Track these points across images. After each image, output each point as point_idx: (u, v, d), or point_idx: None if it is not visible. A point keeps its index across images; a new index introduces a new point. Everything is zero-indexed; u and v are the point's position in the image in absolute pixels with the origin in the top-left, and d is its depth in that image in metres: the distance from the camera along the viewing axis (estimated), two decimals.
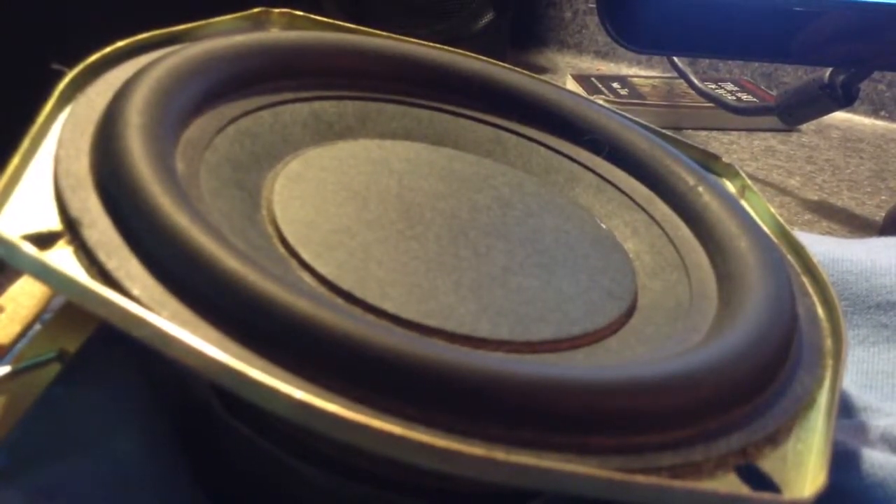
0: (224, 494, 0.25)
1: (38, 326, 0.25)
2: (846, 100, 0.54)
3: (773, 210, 0.32)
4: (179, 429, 0.25)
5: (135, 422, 0.24)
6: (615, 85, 0.73)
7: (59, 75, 0.25)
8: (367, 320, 0.22)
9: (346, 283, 0.24)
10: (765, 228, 0.30)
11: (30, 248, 0.19)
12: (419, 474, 0.22)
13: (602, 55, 0.87)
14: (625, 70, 0.84)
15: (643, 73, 0.82)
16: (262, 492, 0.24)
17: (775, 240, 0.31)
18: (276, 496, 0.24)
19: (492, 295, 0.25)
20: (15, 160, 0.22)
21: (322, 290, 0.23)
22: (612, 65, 0.86)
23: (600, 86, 0.72)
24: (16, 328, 0.24)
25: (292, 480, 0.23)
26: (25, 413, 0.23)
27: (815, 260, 0.29)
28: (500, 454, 0.18)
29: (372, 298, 0.23)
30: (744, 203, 0.32)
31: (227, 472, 0.25)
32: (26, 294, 0.25)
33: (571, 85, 0.73)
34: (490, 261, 0.27)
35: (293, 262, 0.24)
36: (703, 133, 0.67)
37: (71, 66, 0.26)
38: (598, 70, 0.85)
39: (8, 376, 0.23)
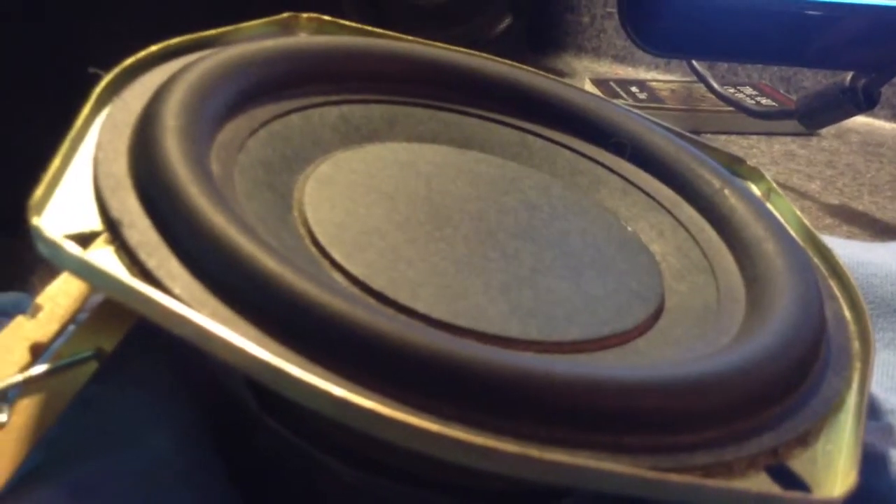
0: (257, 491, 0.25)
1: (72, 326, 0.26)
2: (867, 104, 0.54)
3: (798, 213, 0.32)
4: (213, 426, 0.26)
5: (169, 419, 0.25)
6: (633, 89, 0.73)
7: (96, 79, 0.26)
8: (402, 320, 0.22)
9: (377, 284, 0.24)
10: (791, 231, 0.31)
11: (73, 248, 0.19)
12: (451, 472, 0.22)
13: (620, 59, 0.87)
14: (643, 74, 0.84)
15: (661, 77, 0.82)
16: (295, 488, 0.25)
17: (802, 243, 0.31)
18: (309, 493, 0.25)
19: (521, 296, 0.25)
20: (55, 162, 0.22)
21: (354, 290, 0.24)
22: (629, 69, 0.86)
23: (619, 90, 0.72)
24: (54, 327, 0.24)
25: (325, 477, 0.24)
26: (63, 410, 0.24)
27: (841, 262, 0.30)
28: (533, 451, 0.18)
29: (403, 299, 0.24)
30: (770, 206, 0.32)
31: (259, 468, 0.25)
32: (63, 294, 0.25)
33: (589, 89, 0.74)
34: (518, 262, 0.27)
35: (325, 263, 0.24)
36: (723, 137, 0.67)
37: (107, 70, 0.26)
38: (616, 74, 0.85)
39: (46, 374, 0.24)
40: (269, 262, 0.20)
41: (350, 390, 0.18)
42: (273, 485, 0.25)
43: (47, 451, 0.23)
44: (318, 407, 0.18)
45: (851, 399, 0.24)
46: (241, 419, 0.25)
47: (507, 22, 0.75)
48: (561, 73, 0.83)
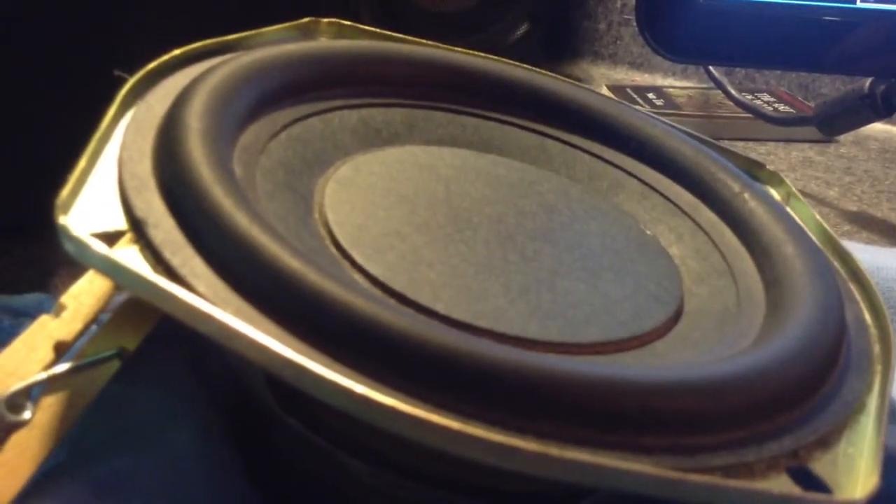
0: (276, 489, 0.25)
1: (95, 326, 0.26)
2: (886, 110, 0.54)
3: (818, 217, 0.32)
4: (233, 425, 0.26)
5: (190, 417, 0.25)
6: (650, 95, 0.73)
7: (121, 82, 0.26)
8: (423, 320, 0.23)
9: (397, 285, 0.24)
10: (811, 235, 0.30)
11: (100, 246, 0.20)
12: (471, 472, 0.22)
13: (637, 66, 0.87)
14: (660, 81, 0.84)
15: (678, 83, 0.82)
16: (314, 488, 0.25)
17: (821, 246, 0.31)
18: (328, 492, 0.25)
19: (540, 298, 0.25)
20: (81, 162, 0.23)
21: (375, 290, 0.24)
22: (646, 75, 0.86)
23: (635, 96, 0.72)
24: (77, 325, 0.25)
25: (344, 477, 0.24)
26: (86, 408, 0.24)
27: (861, 266, 0.30)
28: (554, 450, 0.18)
29: (424, 299, 0.24)
30: (789, 210, 0.32)
31: (279, 467, 0.26)
32: (87, 293, 0.25)
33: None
34: (537, 265, 0.27)
35: (346, 264, 0.25)
36: (740, 144, 0.67)
37: (131, 73, 0.27)
38: (632, 81, 0.85)
39: (69, 372, 0.24)
40: (292, 262, 0.20)
41: (371, 388, 0.18)
42: (292, 483, 0.25)
43: (70, 449, 0.23)
44: (339, 404, 0.18)
45: (872, 402, 0.24)
46: (261, 418, 0.25)
47: (524, 29, 0.75)
48: (578, 80, 0.83)
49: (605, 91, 0.75)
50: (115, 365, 0.24)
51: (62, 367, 0.24)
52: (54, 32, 0.43)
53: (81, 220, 0.21)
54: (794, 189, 0.34)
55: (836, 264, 0.30)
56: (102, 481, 0.23)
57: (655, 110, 0.69)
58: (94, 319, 0.26)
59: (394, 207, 0.27)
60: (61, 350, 0.24)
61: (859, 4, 0.49)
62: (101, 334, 0.25)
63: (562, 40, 0.90)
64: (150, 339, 0.25)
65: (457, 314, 0.24)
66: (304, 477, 0.25)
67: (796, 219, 0.31)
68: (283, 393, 0.24)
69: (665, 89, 0.76)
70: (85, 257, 0.20)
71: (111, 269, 0.20)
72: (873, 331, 0.27)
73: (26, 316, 0.30)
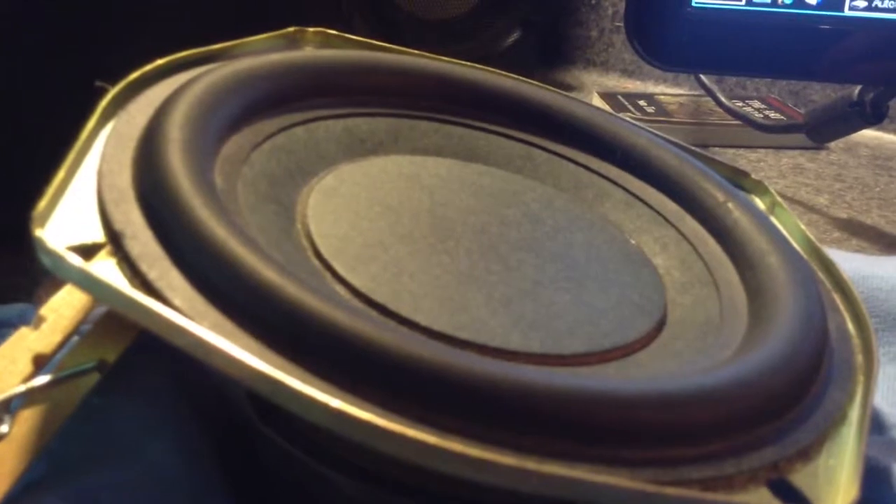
0: (258, 502, 0.25)
1: (76, 337, 0.26)
2: (875, 117, 0.54)
3: (802, 226, 0.32)
4: (215, 438, 0.26)
5: (171, 431, 0.25)
6: (641, 103, 0.73)
7: (102, 93, 0.26)
8: (403, 332, 0.23)
9: (379, 296, 0.24)
10: (795, 245, 0.30)
11: (75, 259, 0.20)
12: (451, 485, 0.22)
13: (628, 73, 0.87)
14: (651, 88, 0.84)
15: (669, 90, 0.82)
16: (297, 501, 0.25)
17: (805, 256, 0.31)
18: None
19: (523, 308, 0.25)
20: (60, 174, 0.23)
21: (356, 302, 0.24)
22: (638, 83, 0.86)
23: (627, 104, 0.72)
24: (57, 338, 0.25)
25: (325, 490, 0.24)
26: (65, 421, 0.24)
27: (845, 276, 0.29)
28: (532, 464, 0.18)
29: (405, 311, 0.24)
30: (773, 219, 0.32)
31: (260, 480, 0.25)
32: (67, 305, 0.25)
33: (598, 103, 0.74)
34: (521, 275, 0.27)
35: (327, 275, 0.25)
36: (731, 151, 0.67)
37: (112, 83, 0.27)
38: (624, 88, 0.85)
39: (49, 385, 0.24)
40: (269, 274, 0.20)
41: (349, 402, 0.18)
42: (274, 496, 0.25)
43: (49, 463, 0.23)
44: (316, 419, 0.18)
45: (854, 413, 0.24)
46: (243, 431, 0.25)
47: (515, 36, 0.75)
48: (569, 87, 0.84)
49: (596, 98, 0.75)
50: (95, 377, 0.24)
51: (41, 379, 0.24)
52: (36, 42, 0.43)
53: (58, 232, 0.21)
54: (778, 198, 0.34)
55: (821, 274, 0.30)
56: (81, 495, 0.23)
57: (646, 118, 0.69)
58: (75, 331, 0.25)
59: (377, 218, 0.27)
60: (40, 362, 0.24)
61: (848, 12, 0.49)
62: (80, 346, 0.25)
63: (554, 47, 0.90)
64: (131, 351, 0.25)
65: (438, 326, 0.23)
66: (287, 490, 0.25)
67: (780, 228, 0.31)
68: (264, 406, 0.24)
69: (656, 97, 0.76)
70: (61, 270, 0.20)
71: (87, 283, 0.20)
72: (856, 341, 0.27)
73: (9, 326, 0.30)
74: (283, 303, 0.20)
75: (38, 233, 0.20)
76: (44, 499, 0.22)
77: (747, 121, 0.64)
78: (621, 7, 0.86)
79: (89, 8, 0.44)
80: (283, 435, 0.24)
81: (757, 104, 0.73)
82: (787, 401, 0.23)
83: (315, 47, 0.34)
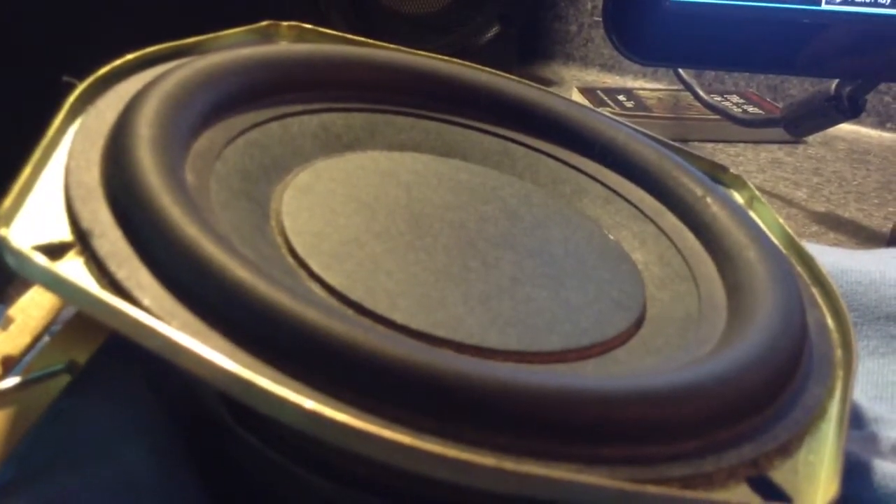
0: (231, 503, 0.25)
1: (46, 338, 0.25)
2: (852, 111, 0.54)
3: (781, 221, 0.32)
4: (187, 439, 0.25)
5: (143, 432, 0.24)
6: (621, 97, 0.73)
7: (70, 88, 0.25)
8: (377, 331, 0.22)
9: (355, 294, 0.24)
10: (773, 239, 0.30)
11: (41, 259, 0.19)
12: (429, 486, 0.22)
13: (608, 68, 0.87)
14: (630, 83, 0.84)
15: (649, 85, 0.82)
16: (269, 502, 0.24)
17: (784, 250, 0.30)
18: None
19: (501, 306, 0.25)
20: (26, 171, 0.22)
21: (331, 300, 0.23)
22: (617, 77, 0.86)
23: (606, 98, 0.72)
24: (25, 339, 0.24)
25: (300, 491, 0.23)
26: (34, 424, 0.23)
27: (824, 270, 0.29)
28: (509, 464, 0.18)
29: (381, 309, 0.23)
30: (752, 214, 0.32)
31: (234, 482, 0.25)
32: (36, 305, 0.25)
33: (577, 98, 0.74)
34: (499, 272, 0.27)
35: (302, 273, 0.24)
36: (710, 145, 0.67)
37: (81, 78, 0.26)
38: (603, 83, 0.85)
39: (17, 387, 0.23)
40: (241, 273, 0.20)
41: (323, 402, 0.18)
42: (248, 497, 0.25)
43: (18, 466, 0.23)
44: (289, 420, 0.18)
45: (833, 408, 0.24)
46: (216, 432, 0.24)
47: (494, 31, 0.75)
48: (549, 82, 0.83)
49: (575, 93, 0.75)
50: (66, 379, 0.24)
51: (9, 382, 0.23)
52: (2, 38, 0.42)
53: (24, 231, 0.20)
54: (757, 192, 0.34)
55: (799, 268, 0.30)
56: (51, 498, 0.22)
57: (626, 112, 0.69)
58: (44, 332, 0.25)
59: (353, 214, 0.27)
60: (8, 364, 0.24)
61: (825, 6, 0.50)
62: (50, 348, 0.24)
63: (533, 42, 0.90)
64: (102, 352, 0.25)
65: (415, 324, 0.23)
66: (260, 491, 0.25)
67: (759, 222, 0.31)
68: (238, 408, 0.23)
69: (635, 91, 0.76)
70: (26, 270, 0.19)
71: (53, 283, 0.19)
72: (835, 335, 0.27)
73: None
74: (254, 302, 0.19)
75: (3, 232, 0.20)
76: (13, 502, 0.22)
77: (726, 115, 0.64)
78: (600, 1, 0.86)
79: (57, 1, 0.43)
80: (258, 437, 0.23)
81: (735, 98, 0.73)
82: (766, 396, 0.23)
83: (289, 41, 0.34)
